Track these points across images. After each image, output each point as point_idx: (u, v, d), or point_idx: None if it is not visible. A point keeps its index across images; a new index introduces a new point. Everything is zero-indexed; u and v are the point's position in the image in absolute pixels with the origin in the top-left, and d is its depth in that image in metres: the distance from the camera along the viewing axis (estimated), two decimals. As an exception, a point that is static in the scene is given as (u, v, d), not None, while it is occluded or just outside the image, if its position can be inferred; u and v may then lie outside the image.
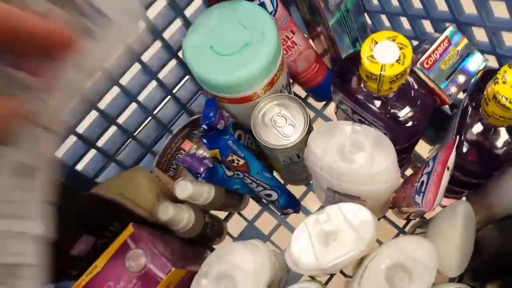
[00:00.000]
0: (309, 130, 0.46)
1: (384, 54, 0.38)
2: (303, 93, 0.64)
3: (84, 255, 0.47)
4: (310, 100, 0.64)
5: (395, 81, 0.38)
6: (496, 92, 0.36)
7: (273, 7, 0.51)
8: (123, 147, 0.53)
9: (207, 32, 0.46)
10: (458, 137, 0.41)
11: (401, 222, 0.58)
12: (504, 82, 0.36)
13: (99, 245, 0.47)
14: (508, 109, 0.36)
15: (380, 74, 0.37)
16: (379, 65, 0.38)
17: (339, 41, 0.57)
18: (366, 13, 0.57)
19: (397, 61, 0.37)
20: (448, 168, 0.39)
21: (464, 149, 0.42)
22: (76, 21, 0.22)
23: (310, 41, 0.61)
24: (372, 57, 0.38)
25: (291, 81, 0.61)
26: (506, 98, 0.36)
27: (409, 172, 0.60)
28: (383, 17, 0.56)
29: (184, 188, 0.47)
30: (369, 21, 0.58)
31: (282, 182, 0.60)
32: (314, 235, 0.38)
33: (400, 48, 0.38)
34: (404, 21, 0.53)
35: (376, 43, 0.38)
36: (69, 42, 0.21)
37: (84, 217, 0.44)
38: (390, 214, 0.57)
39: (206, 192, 0.49)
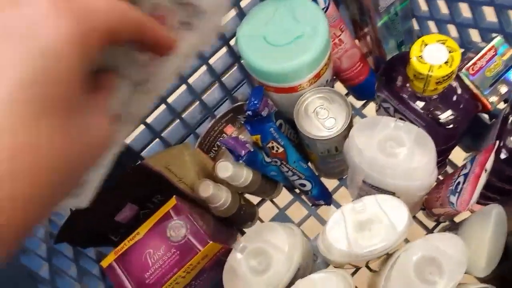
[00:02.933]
0: (350, 125, 0.48)
1: (433, 55, 0.39)
2: (344, 90, 0.66)
3: (126, 223, 0.50)
4: (350, 98, 0.66)
5: (441, 82, 0.40)
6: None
7: (325, 4, 0.53)
8: (169, 126, 0.56)
9: (261, 23, 0.48)
10: (497, 141, 0.42)
11: (430, 224, 0.59)
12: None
13: (142, 215, 0.50)
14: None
15: (428, 74, 0.39)
16: (428, 66, 0.39)
17: (384, 43, 0.58)
18: (415, 18, 0.58)
19: (445, 63, 0.39)
20: (485, 171, 0.40)
21: (503, 155, 0.43)
22: (178, 14, 0.26)
23: (356, 41, 0.63)
24: (421, 58, 0.40)
25: (334, 77, 0.63)
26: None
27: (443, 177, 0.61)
28: (431, 24, 0.57)
29: (226, 168, 0.49)
30: (416, 27, 0.59)
31: (317, 174, 0.62)
32: (350, 222, 0.40)
33: (450, 51, 0.39)
34: (452, 28, 0.54)
35: (426, 44, 0.40)
36: (172, 46, 0.27)
37: (130, 187, 0.47)
38: (420, 215, 0.58)
39: (244, 175, 0.51)
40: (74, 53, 0.20)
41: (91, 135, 0.22)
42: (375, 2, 0.53)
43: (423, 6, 0.55)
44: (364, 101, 0.65)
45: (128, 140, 0.54)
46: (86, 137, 0.22)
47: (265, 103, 0.51)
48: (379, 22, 0.55)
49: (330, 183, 0.61)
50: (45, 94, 0.19)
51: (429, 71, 0.39)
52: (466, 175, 0.43)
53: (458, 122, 0.45)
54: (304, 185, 0.57)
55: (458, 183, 0.43)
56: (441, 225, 0.58)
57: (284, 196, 0.62)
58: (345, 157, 0.48)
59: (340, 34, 0.56)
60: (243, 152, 0.49)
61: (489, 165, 0.41)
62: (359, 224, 0.40)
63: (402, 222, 0.39)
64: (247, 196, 0.60)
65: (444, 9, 0.52)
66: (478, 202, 0.55)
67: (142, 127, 0.53)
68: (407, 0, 0.55)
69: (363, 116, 0.65)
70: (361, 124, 0.44)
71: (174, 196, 0.46)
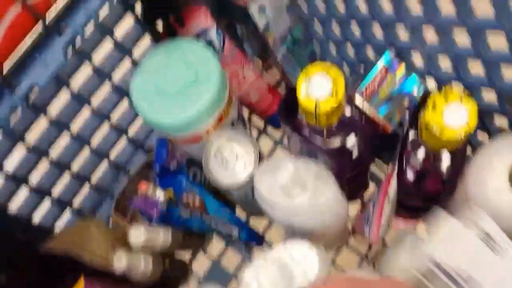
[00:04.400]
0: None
1: (317, 88, 0.38)
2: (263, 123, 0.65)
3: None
4: (270, 130, 0.65)
5: (331, 114, 0.39)
6: (427, 120, 0.36)
7: (220, 43, 0.52)
8: (78, 193, 0.53)
9: (153, 72, 0.46)
10: (398, 164, 0.41)
11: (364, 249, 0.58)
12: (434, 109, 0.37)
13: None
14: (440, 137, 0.36)
15: (315, 109, 0.38)
16: (313, 101, 0.38)
17: (290, 71, 0.57)
18: (315, 42, 0.57)
19: (330, 95, 0.38)
20: (389, 198, 0.39)
21: (408, 175, 0.42)
22: None
23: (265, 71, 0.62)
24: (307, 93, 0.38)
25: (249, 114, 0.62)
26: (437, 126, 0.36)
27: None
28: (330, 45, 0.56)
29: (138, 234, 0.46)
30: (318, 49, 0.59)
31: (245, 215, 0.60)
32: (263, 276, 0.38)
33: (333, 81, 0.38)
34: (349, 47, 0.53)
35: (310, 77, 0.39)
36: None
37: (35, 274, 0.44)
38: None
39: (162, 236, 0.49)
40: None
41: None
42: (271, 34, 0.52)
43: (318, 30, 0.55)
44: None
45: (36, 219, 0.50)
46: None
47: (172, 154, 0.49)
48: (280, 52, 0.54)
49: (261, 222, 0.59)
50: None
51: (315, 106, 0.38)
52: (373, 203, 0.41)
53: (361, 147, 0.44)
54: (230, 232, 0.54)
55: (369, 212, 0.42)
56: (373, 248, 0.56)
57: (218, 244, 0.60)
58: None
59: (242, 70, 0.55)
60: (153, 214, 0.47)
61: (391, 191, 0.40)
62: (273, 276, 0.38)
63: (314, 270, 0.37)
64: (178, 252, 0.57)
65: (337, 30, 0.52)
66: (407, 216, 0.54)
67: (48, 201, 0.50)
68: (301, 26, 0.54)
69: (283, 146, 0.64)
70: (261, 170, 0.42)
71: (82, 277, 0.43)
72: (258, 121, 0.65)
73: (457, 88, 0.37)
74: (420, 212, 0.50)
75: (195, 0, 0.50)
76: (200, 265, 0.60)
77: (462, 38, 0.39)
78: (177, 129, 0.46)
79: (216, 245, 0.60)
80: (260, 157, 0.47)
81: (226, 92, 0.47)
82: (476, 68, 0.40)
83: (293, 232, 0.48)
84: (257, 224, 0.58)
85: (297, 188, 0.41)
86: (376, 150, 0.51)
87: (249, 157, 0.47)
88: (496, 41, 0.37)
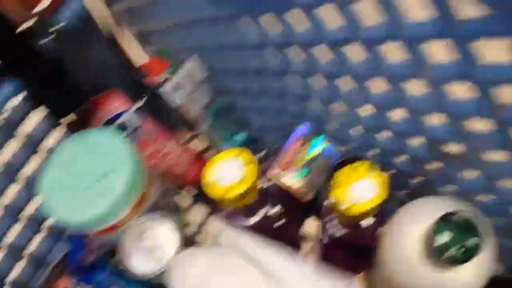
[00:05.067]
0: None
1: (227, 175, 0.37)
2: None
3: None
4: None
5: (244, 197, 0.38)
6: (334, 198, 0.36)
7: (138, 122, 0.50)
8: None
9: (61, 168, 0.44)
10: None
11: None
12: (340, 186, 0.36)
13: None
14: (349, 212, 0.36)
15: (225, 197, 0.37)
16: (223, 189, 0.37)
17: (217, 140, 0.56)
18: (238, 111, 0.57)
19: (240, 180, 0.37)
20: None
21: (330, 243, 0.41)
22: None
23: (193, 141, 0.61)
24: (215, 180, 0.37)
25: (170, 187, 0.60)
26: (344, 203, 0.36)
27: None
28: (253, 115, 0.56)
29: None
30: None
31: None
32: None
33: (244, 165, 0.37)
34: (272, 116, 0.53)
35: (218, 164, 0.38)
36: None
37: None
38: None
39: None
40: None
41: None
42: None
43: (238, 100, 0.54)
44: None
45: None
46: None
47: (89, 250, 0.46)
48: (204, 126, 0.54)
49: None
50: None
51: (224, 194, 0.37)
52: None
53: (286, 217, 0.43)
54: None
55: None
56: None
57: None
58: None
59: (164, 146, 0.53)
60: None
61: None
62: None
63: None
64: None
65: (255, 100, 0.52)
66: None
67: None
68: (223, 100, 0.54)
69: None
70: (175, 263, 0.40)
71: None
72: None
73: (363, 162, 0.37)
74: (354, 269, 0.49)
75: (108, 85, 0.49)
76: None
77: (368, 112, 0.39)
78: (89, 225, 0.43)
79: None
80: (184, 243, 0.45)
81: (142, 178, 0.45)
82: (387, 137, 0.40)
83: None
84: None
85: (220, 279, 0.38)
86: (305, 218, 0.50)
87: (170, 243, 0.44)
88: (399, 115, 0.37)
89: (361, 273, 0.52)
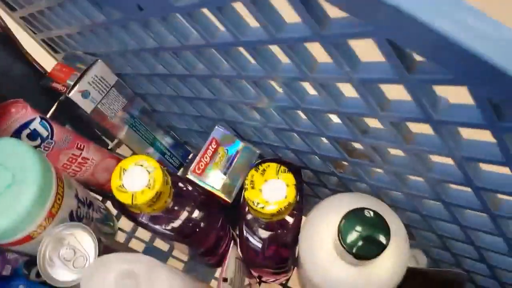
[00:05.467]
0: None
1: (133, 181, 0.37)
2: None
3: None
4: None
5: (153, 203, 0.37)
6: (248, 199, 0.36)
7: (48, 131, 0.49)
8: None
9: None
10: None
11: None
12: (252, 188, 0.37)
13: None
14: (262, 212, 0.36)
15: (133, 203, 0.36)
16: (130, 194, 0.36)
17: (139, 146, 0.56)
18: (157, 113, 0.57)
19: (147, 186, 0.37)
20: (226, 280, 0.38)
21: (256, 243, 0.42)
22: None
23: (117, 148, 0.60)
24: (122, 186, 0.37)
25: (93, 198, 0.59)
26: (258, 203, 0.36)
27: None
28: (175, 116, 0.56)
29: None
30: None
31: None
32: None
33: (149, 172, 0.37)
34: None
35: (125, 170, 0.37)
36: None
37: None
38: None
39: None
40: None
41: None
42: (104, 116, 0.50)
43: (159, 108, 0.54)
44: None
45: None
46: None
47: (5, 261, 0.44)
48: (122, 132, 0.53)
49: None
50: None
51: (132, 200, 0.36)
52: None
53: (203, 221, 0.43)
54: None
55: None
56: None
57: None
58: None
59: (81, 153, 0.52)
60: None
61: (229, 271, 0.39)
62: None
63: None
64: None
65: (172, 104, 0.51)
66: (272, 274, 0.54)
67: None
68: (140, 103, 0.53)
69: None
70: (89, 269, 0.39)
71: None
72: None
73: (273, 164, 0.38)
74: (285, 268, 0.50)
75: (16, 91, 0.47)
76: None
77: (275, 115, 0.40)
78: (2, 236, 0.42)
79: None
80: (103, 250, 0.44)
81: (52, 187, 0.44)
82: (295, 135, 0.41)
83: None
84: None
85: (129, 283, 0.38)
86: (232, 218, 0.50)
87: (89, 250, 0.44)
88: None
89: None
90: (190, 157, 0.62)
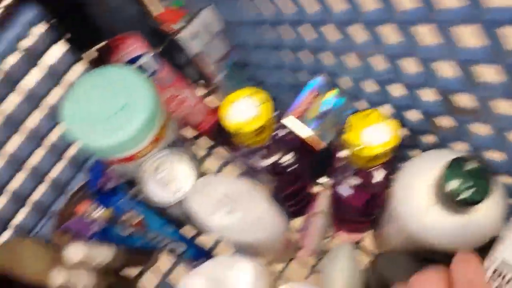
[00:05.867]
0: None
1: (242, 111, 0.40)
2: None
3: None
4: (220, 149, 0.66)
5: (258, 135, 0.40)
6: (347, 140, 0.38)
7: (155, 67, 0.53)
8: (17, 214, 0.52)
9: (83, 99, 0.47)
10: (327, 182, 0.43)
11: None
12: (352, 130, 0.38)
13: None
14: (360, 155, 0.38)
15: (240, 131, 0.39)
16: (237, 123, 0.39)
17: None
18: (252, 66, 0.59)
19: (255, 116, 0.39)
20: (318, 214, 0.41)
21: (340, 192, 0.44)
22: None
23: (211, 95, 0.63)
24: (230, 115, 0.40)
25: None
26: (356, 146, 0.38)
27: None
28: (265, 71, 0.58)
29: (76, 250, 0.46)
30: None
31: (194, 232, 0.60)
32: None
33: (259, 104, 0.40)
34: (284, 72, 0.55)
35: (235, 101, 0.40)
36: None
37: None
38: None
39: (103, 253, 0.48)
40: None
41: None
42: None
43: (254, 58, 0.56)
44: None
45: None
46: None
47: (108, 176, 0.49)
48: (217, 78, 0.56)
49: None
50: None
51: (239, 127, 0.39)
52: (307, 219, 0.43)
53: (296, 164, 0.46)
54: (175, 249, 0.55)
55: (305, 227, 0.43)
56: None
57: (166, 260, 0.60)
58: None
59: (181, 93, 0.56)
60: (88, 234, 0.47)
61: (322, 206, 0.41)
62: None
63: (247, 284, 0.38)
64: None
65: (273, 57, 0.54)
66: (351, 229, 0.56)
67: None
68: (238, 53, 0.56)
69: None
70: (193, 189, 0.43)
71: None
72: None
73: (377, 110, 0.39)
74: (363, 225, 0.52)
75: (127, 27, 0.51)
76: (148, 281, 0.60)
77: (381, 64, 0.41)
78: (110, 151, 0.47)
79: (164, 261, 0.60)
80: (199, 178, 0.48)
81: (159, 115, 0.48)
82: (399, 91, 0.42)
83: (238, 247, 0.49)
84: (206, 241, 0.59)
85: (228, 205, 0.42)
86: (318, 169, 0.52)
87: (186, 176, 0.48)
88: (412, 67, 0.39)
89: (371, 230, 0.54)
90: (276, 114, 0.64)
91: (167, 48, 0.60)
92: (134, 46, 0.51)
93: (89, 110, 0.46)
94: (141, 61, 0.51)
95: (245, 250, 0.47)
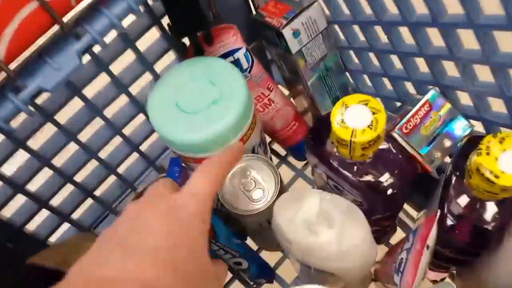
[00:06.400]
0: (280, 195, 0.42)
1: (355, 118, 0.35)
2: (283, 151, 0.61)
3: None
4: (291, 159, 0.61)
5: (368, 147, 0.35)
6: (479, 165, 0.32)
7: (248, 64, 0.49)
8: (80, 206, 0.49)
9: (174, 89, 0.43)
10: (440, 211, 0.37)
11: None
12: (487, 154, 0.32)
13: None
14: (493, 183, 0.32)
15: (351, 140, 0.34)
16: (350, 130, 0.34)
17: (319, 100, 0.54)
18: (348, 72, 0.54)
19: (369, 126, 0.34)
20: (428, 247, 0.35)
21: (448, 224, 0.38)
22: None
23: (292, 99, 0.59)
24: (343, 122, 0.35)
25: (268, 139, 0.58)
26: (491, 172, 0.32)
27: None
28: (365, 76, 0.53)
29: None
30: (351, 80, 0.55)
31: (256, 247, 0.55)
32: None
33: (373, 113, 0.35)
34: (387, 81, 0.50)
35: (347, 107, 0.35)
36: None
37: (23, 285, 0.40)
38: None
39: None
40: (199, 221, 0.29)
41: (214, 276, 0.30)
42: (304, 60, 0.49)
43: (355, 60, 0.52)
44: (306, 162, 0.60)
45: (30, 227, 0.46)
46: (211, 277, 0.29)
47: (185, 175, 0.45)
48: (310, 79, 0.51)
49: (272, 256, 0.55)
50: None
51: (351, 136, 0.34)
52: (408, 251, 0.37)
53: (397, 187, 0.40)
54: (240, 264, 0.50)
55: (401, 260, 0.38)
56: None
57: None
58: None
59: (269, 94, 0.52)
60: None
61: (431, 239, 0.35)
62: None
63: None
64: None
65: (376, 61, 0.49)
66: (434, 270, 0.50)
67: (45, 212, 0.46)
68: (336, 55, 0.51)
69: (305, 177, 0.59)
70: (283, 200, 0.38)
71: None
72: (278, 149, 0.61)
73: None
74: (452, 264, 0.45)
75: (226, 19, 0.48)
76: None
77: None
78: (194, 149, 0.43)
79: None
80: (282, 188, 0.43)
81: (250, 114, 0.43)
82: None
83: (308, 272, 0.43)
84: (268, 257, 0.53)
85: (323, 224, 0.36)
86: (415, 195, 0.47)
87: (269, 185, 0.43)
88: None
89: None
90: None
91: (263, 43, 0.56)
92: (232, 39, 0.47)
93: (179, 101, 0.42)
94: (236, 56, 0.47)
95: (318, 276, 0.41)
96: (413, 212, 0.56)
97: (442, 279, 0.53)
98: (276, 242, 0.52)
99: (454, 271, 0.50)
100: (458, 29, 0.37)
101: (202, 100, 0.42)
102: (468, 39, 0.37)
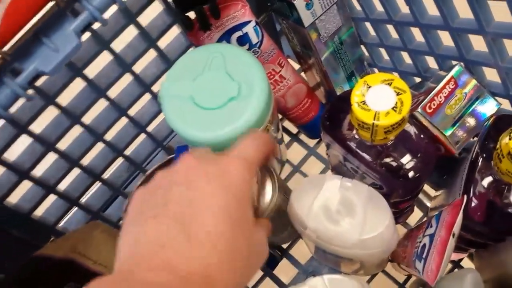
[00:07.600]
0: (277, 195, 0.40)
1: (378, 100, 0.32)
2: (295, 129, 0.59)
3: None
4: (303, 136, 0.59)
5: (391, 131, 0.33)
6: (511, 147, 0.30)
7: (258, 38, 0.46)
8: (88, 190, 0.48)
9: (189, 80, 0.39)
10: (466, 196, 0.35)
11: (401, 278, 0.51)
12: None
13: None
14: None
15: (373, 123, 0.32)
16: (372, 113, 0.32)
17: (333, 75, 0.51)
18: (364, 46, 0.51)
19: (393, 108, 0.32)
20: (453, 235, 0.33)
21: (474, 209, 0.36)
22: None
23: (302, 73, 0.56)
24: (364, 104, 0.32)
25: (280, 117, 0.56)
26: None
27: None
28: (382, 51, 0.50)
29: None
30: (367, 54, 0.52)
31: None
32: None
33: (397, 94, 0.32)
34: (405, 55, 0.47)
35: (369, 87, 0.33)
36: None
37: (33, 281, 0.38)
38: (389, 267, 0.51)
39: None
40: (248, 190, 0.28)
41: (261, 245, 0.29)
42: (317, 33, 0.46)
43: (372, 32, 0.49)
44: (318, 140, 0.58)
45: (38, 213, 0.45)
46: (258, 247, 0.29)
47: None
48: (324, 53, 0.48)
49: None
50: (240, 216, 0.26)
51: (374, 119, 0.32)
52: (431, 237, 0.35)
53: (419, 170, 0.38)
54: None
55: (424, 246, 0.36)
56: (413, 278, 0.50)
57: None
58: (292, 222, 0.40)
59: (280, 70, 0.49)
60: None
61: (457, 227, 0.33)
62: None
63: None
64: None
65: (394, 33, 0.46)
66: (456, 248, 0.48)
67: (53, 196, 0.45)
68: (351, 28, 0.48)
69: (318, 155, 0.57)
70: (303, 187, 0.36)
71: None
72: (290, 126, 0.59)
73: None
74: (473, 246, 0.44)
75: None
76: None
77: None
78: (212, 146, 0.40)
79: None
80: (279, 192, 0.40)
81: (269, 111, 0.40)
82: None
83: (324, 255, 0.42)
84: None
85: (344, 213, 0.35)
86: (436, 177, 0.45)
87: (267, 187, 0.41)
88: None
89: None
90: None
91: (273, 16, 0.53)
92: (240, 11, 0.44)
93: (195, 95, 0.39)
94: (245, 30, 0.45)
95: (334, 260, 0.40)
96: (430, 190, 0.55)
97: (460, 260, 0.51)
98: (278, 238, 0.51)
99: (473, 252, 0.48)
100: (488, 0, 0.34)
101: (219, 95, 0.38)
102: (498, 11, 0.34)
